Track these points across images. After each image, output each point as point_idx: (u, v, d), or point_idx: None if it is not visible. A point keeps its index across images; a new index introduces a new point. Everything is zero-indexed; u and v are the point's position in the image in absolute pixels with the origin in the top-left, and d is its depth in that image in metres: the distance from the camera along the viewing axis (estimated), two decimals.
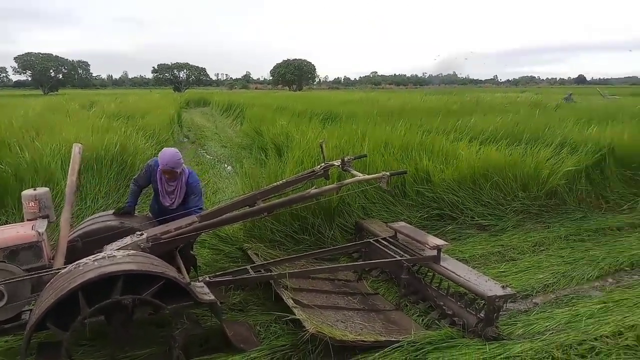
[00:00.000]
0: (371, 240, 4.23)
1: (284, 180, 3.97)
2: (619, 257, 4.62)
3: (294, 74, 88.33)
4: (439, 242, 3.75)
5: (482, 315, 3.20)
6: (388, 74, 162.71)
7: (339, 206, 4.97)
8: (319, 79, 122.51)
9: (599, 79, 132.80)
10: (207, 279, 3.27)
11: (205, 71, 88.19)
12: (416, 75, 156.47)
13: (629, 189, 6.50)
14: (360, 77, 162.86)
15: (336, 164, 4.08)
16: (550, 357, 2.92)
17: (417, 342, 3.02)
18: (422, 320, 3.49)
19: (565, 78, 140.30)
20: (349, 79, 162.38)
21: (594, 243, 5.08)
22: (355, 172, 3.95)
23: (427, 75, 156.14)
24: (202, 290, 2.92)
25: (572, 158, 6.09)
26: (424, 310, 3.63)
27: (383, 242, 4.16)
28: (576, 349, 3.01)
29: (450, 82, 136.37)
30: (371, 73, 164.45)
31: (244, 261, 4.22)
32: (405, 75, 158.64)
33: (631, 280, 4.22)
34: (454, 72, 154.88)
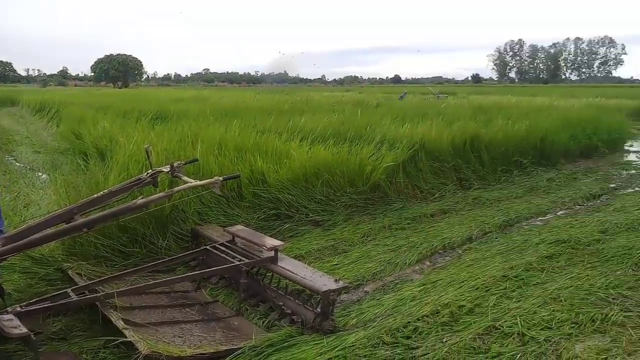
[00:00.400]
0: (208, 247, 4.13)
1: (107, 190, 3.65)
2: (433, 241, 5.18)
3: (119, 70, 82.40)
4: (275, 242, 3.82)
5: (319, 310, 3.33)
6: (221, 71, 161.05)
7: (172, 213, 4.75)
8: (147, 76, 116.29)
9: (412, 78, 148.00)
10: (18, 309, 2.86)
11: (12, 66, 77.61)
12: (249, 73, 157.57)
13: (439, 179, 7.36)
14: (191, 73, 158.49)
15: (165, 169, 3.89)
16: (381, 342, 3.16)
17: (258, 346, 3.02)
18: (263, 323, 3.51)
19: (384, 78, 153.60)
20: (180, 75, 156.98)
21: (412, 230, 5.61)
22: (186, 178, 3.81)
23: (259, 73, 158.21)
24: (10, 323, 2.55)
25: (391, 154, 6.67)
26: (264, 312, 3.65)
27: (221, 247, 4.09)
28: (402, 331, 3.30)
29: (282, 80, 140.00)
30: (203, 70, 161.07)
31: (64, 283, 3.78)
32: (238, 73, 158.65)
33: (444, 261, 4.77)
34: (285, 71, 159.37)
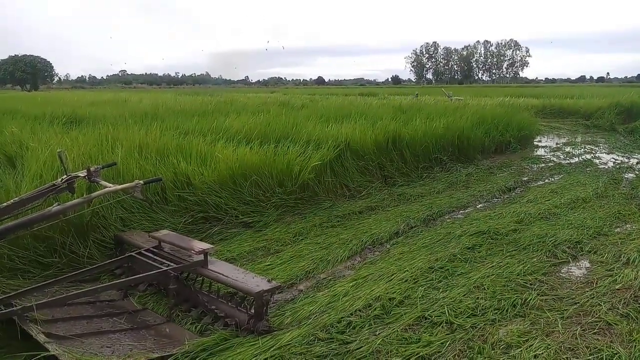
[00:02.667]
0: (133, 254, 3.95)
1: (17, 198, 3.39)
2: (363, 238, 5.27)
3: (26, 72, 77.04)
4: (204, 246, 3.72)
5: (253, 311, 3.29)
6: (139, 73, 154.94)
7: (92, 220, 4.50)
8: (59, 78, 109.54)
9: (335, 80, 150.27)
10: None
11: None
12: (169, 75, 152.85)
13: (365, 177, 7.51)
14: (107, 75, 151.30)
15: (81, 175, 3.68)
16: (316, 339, 3.17)
17: (192, 352, 2.95)
18: (196, 328, 3.41)
19: (308, 79, 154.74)
20: (95, 77, 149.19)
21: (342, 228, 5.69)
22: (105, 183, 3.63)
23: (180, 74, 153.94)
24: None
25: (318, 154, 6.72)
26: (196, 317, 3.55)
27: (147, 253, 3.93)
28: (336, 326, 3.34)
29: (205, 82, 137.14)
30: (120, 72, 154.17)
31: None
32: (157, 74, 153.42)
33: (373, 256, 4.87)
34: (207, 72, 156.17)
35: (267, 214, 5.77)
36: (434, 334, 3.26)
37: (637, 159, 10.68)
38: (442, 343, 3.13)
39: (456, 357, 3.02)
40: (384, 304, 3.63)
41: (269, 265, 4.54)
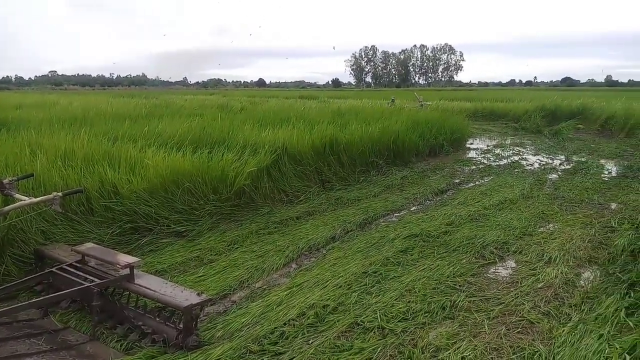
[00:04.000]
0: (54, 269, 3.74)
1: None
2: (299, 244, 5.25)
3: None
4: (130, 259, 3.57)
5: (182, 326, 3.18)
6: (71, 74, 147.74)
7: (9, 234, 4.21)
8: None
9: (277, 82, 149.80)
10: None
11: None
12: (103, 76, 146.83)
13: (303, 182, 7.50)
14: (36, 76, 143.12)
15: None
16: (248, 352, 3.12)
17: None
18: (122, 346, 3.26)
19: (248, 81, 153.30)
20: (22, 78, 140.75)
21: (280, 234, 5.64)
22: (19, 196, 3.41)
23: (115, 76, 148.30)
24: None
25: (254, 159, 6.64)
26: (122, 334, 3.40)
27: (69, 268, 3.72)
28: (269, 337, 3.30)
29: (141, 83, 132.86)
30: (50, 72, 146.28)
31: None
32: (91, 75, 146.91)
33: (309, 262, 4.86)
34: (143, 73, 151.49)
35: (201, 222, 5.63)
36: (367, 340, 3.28)
37: (560, 160, 11.31)
38: (373, 349, 3.16)
39: None
40: (317, 312, 3.62)
41: (201, 276, 4.42)
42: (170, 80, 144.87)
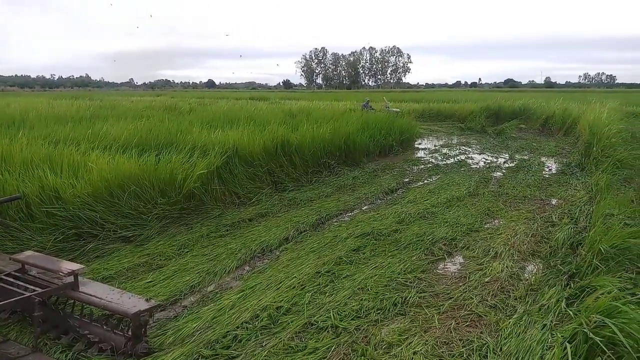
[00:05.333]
0: None
1: None
2: (252, 246, 5.20)
3: None
4: (74, 266, 3.42)
5: (130, 333, 3.08)
6: (8, 74, 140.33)
7: None
8: None
9: (226, 83, 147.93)
10: None
11: None
12: (44, 77, 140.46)
13: (255, 184, 7.43)
14: None
15: None
16: (200, 357, 3.06)
17: None
18: (67, 356, 3.12)
19: (198, 82, 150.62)
20: None
21: (231, 237, 5.56)
22: None
23: (57, 76, 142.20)
24: None
25: (204, 161, 6.52)
26: (67, 344, 3.26)
27: (7, 278, 3.52)
28: (221, 342, 3.25)
29: (85, 84, 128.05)
30: None
31: None
32: (30, 76, 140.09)
33: (263, 264, 4.81)
34: (86, 74, 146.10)
35: (149, 226, 5.47)
36: (320, 339, 3.28)
37: (504, 158, 11.75)
38: (327, 348, 3.17)
39: None
40: (271, 314, 3.60)
41: (150, 282, 4.30)
42: (115, 82, 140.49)
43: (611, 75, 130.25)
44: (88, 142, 7.12)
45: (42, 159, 5.70)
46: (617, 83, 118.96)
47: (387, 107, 17.43)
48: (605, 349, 2.61)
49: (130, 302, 3.16)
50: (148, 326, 3.25)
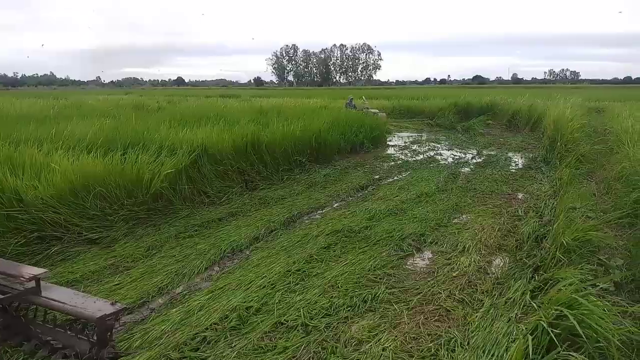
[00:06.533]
0: None
1: None
2: (222, 246, 5.15)
3: None
4: (36, 271, 3.32)
5: (95, 338, 3.02)
6: None
7: None
8: None
9: (196, 80, 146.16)
10: None
11: None
12: (6, 75, 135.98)
13: (225, 183, 7.36)
14: None
15: None
16: None
17: None
18: None
19: (167, 80, 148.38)
20: None
21: (201, 237, 5.49)
22: None
23: (20, 75, 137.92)
24: None
25: (172, 160, 6.42)
26: (30, 351, 3.17)
27: None
28: (190, 344, 3.21)
29: (49, 83, 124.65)
30: None
31: None
32: None
33: (232, 264, 4.77)
34: (51, 72, 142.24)
35: (116, 227, 5.36)
36: (290, 339, 3.28)
37: (472, 154, 11.94)
38: (297, 348, 3.17)
39: (311, 359, 3.07)
40: (240, 314, 3.57)
41: (117, 284, 4.22)
42: (82, 80, 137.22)
43: (575, 71, 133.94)
44: (51, 142, 6.92)
45: (2, 160, 5.51)
46: (581, 79, 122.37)
47: (366, 108, 16.20)
48: (558, 343, 2.68)
49: (95, 306, 3.09)
50: (114, 330, 3.19)
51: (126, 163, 5.97)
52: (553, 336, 2.64)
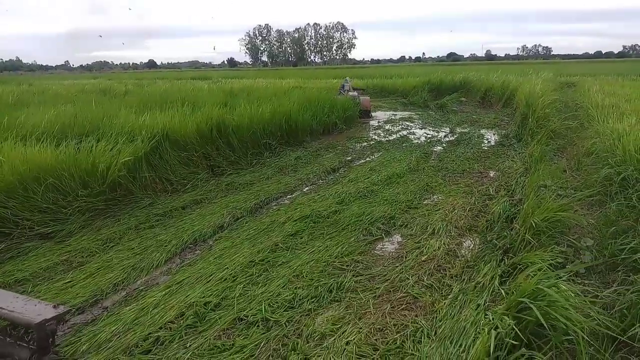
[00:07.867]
0: None
1: None
2: (184, 236, 4.92)
3: None
4: None
5: (35, 345, 2.79)
6: None
7: None
8: None
9: (168, 63, 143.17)
10: None
11: None
12: None
13: (189, 169, 7.08)
14: None
15: None
16: None
17: None
18: None
19: (138, 63, 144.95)
20: None
21: (162, 227, 5.24)
22: None
23: None
24: None
25: (130, 147, 6.11)
26: None
27: None
28: (141, 345, 3.01)
29: (15, 68, 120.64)
30: None
31: None
32: None
33: (194, 256, 4.55)
34: (17, 57, 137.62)
35: (70, 220, 5.08)
36: (249, 336, 3.10)
37: (445, 132, 11.84)
38: (256, 345, 2.99)
39: (270, 358, 2.90)
40: (197, 311, 3.38)
41: (69, 282, 3.97)
42: (50, 65, 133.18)
43: (547, 47, 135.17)
44: (2, 131, 6.54)
45: None
46: (553, 54, 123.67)
47: (345, 90, 14.68)
48: (523, 337, 2.56)
49: (35, 310, 2.86)
50: (62, 333, 2.98)
51: (80, 152, 5.65)
52: (517, 330, 2.50)
